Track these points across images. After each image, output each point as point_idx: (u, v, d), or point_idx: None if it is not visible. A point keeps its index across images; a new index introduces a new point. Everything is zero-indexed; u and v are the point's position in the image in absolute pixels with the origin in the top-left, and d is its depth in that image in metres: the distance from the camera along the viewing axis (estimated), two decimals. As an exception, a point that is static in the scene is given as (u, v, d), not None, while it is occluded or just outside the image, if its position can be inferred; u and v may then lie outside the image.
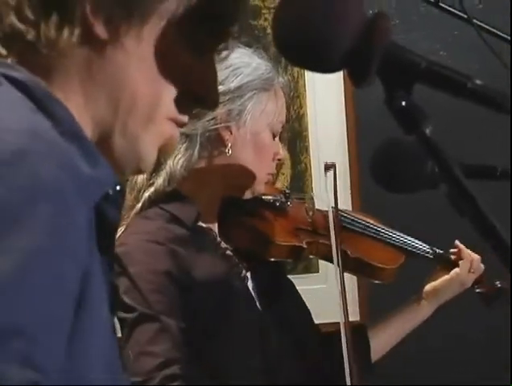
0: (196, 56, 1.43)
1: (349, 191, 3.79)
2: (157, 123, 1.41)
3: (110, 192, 1.33)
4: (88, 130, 1.37)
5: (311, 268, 3.69)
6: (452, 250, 2.81)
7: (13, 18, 1.35)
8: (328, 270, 3.56)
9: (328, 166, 2.66)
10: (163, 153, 1.45)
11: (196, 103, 1.47)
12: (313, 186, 3.80)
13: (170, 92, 1.41)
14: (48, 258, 1.14)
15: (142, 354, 2.24)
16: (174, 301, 2.31)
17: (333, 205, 2.60)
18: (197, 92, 1.44)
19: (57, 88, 1.35)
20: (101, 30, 1.35)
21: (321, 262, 3.70)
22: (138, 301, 2.28)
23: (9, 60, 1.35)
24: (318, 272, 3.71)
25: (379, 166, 1.82)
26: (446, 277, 2.78)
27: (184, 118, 1.45)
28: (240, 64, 2.49)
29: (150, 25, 1.37)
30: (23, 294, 1.11)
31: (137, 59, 1.37)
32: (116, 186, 1.35)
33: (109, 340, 1.35)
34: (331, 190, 2.62)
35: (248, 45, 2.56)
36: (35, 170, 1.15)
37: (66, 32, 1.33)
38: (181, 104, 1.43)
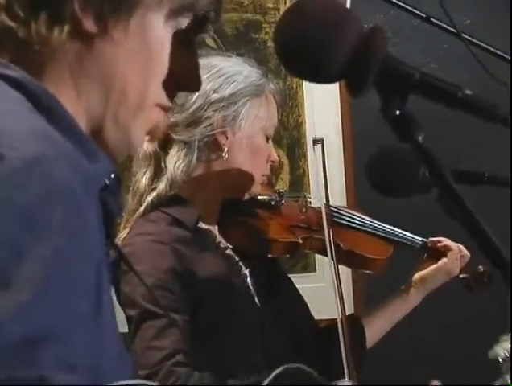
0: (179, 44, 1.42)
1: (345, 195, 3.78)
2: (146, 110, 1.40)
3: (107, 182, 1.34)
4: (83, 123, 1.36)
5: (308, 268, 3.69)
6: (437, 238, 2.81)
7: (4, 17, 1.33)
8: (325, 269, 3.56)
9: (316, 140, 2.68)
10: (152, 137, 1.46)
11: (180, 87, 1.46)
12: (311, 190, 3.79)
13: (156, 80, 1.40)
14: (70, 261, 1.14)
15: (149, 348, 2.24)
16: (178, 296, 2.31)
17: (323, 180, 2.63)
18: (180, 78, 1.44)
19: (50, 83, 1.33)
20: (90, 25, 1.34)
21: (318, 262, 3.71)
22: (144, 297, 2.28)
23: (3, 59, 1.33)
24: (315, 271, 3.71)
25: (374, 171, 1.82)
26: (434, 265, 2.78)
27: (169, 103, 1.44)
28: (233, 72, 2.48)
29: (136, 17, 1.36)
30: (51, 299, 1.10)
31: (125, 50, 1.36)
32: (112, 174, 1.36)
33: (115, 324, 1.36)
34: (320, 163, 2.65)
35: (240, 55, 2.58)
36: (49, 175, 1.14)
37: (56, 29, 1.32)
38: (166, 89, 1.43)
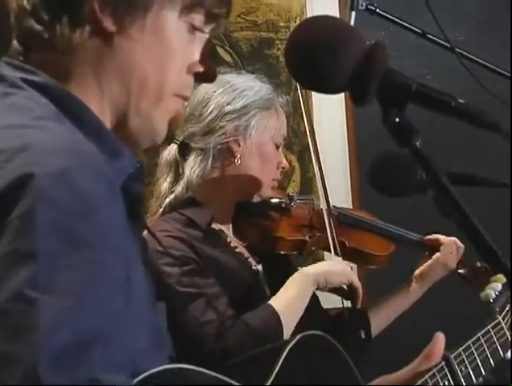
0: (193, 37, 1.41)
1: (350, 196, 3.77)
2: (165, 100, 1.40)
3: (132, 170, 1.34)
4: (107, 116, 1.36)
5: (317, 261, 3.68)
6: (431, 236, 2.79)
7: (31, 21, 1.33)
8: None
9: None
10: (173, 125, 1.45)
11: (196, 78, 1.45)
12: (319, 192, 3.78)
13: (173, 72, 1.40)
14: (102, 265, 1.13)
15: (203, 325, 2.25)
16: (205, 273, 2.33)
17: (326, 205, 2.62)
18: (196, 69, 1.43)
19: (74, 82, 1.33)
20: (109, 25, 1.33)
21: (326, 257, 3.70)
22: (179, 283, 2.29)
23: (29, 65, 1.33)
24: (323, 263, 3.71)
25: (376, 173, 1.82)
26: (429, 261, 2.77)
27: (188, 93, 1.44)
28: (245, 87, 2.51)
29: (151, 14, 1.36)
30: (91, 303, 1.10)
31: (142, 46, 1.36)
32: (136, 164, 1.36)
33: (149, 307, 1.35)
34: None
35: (255, 70, 2.65)
36: (76, 187, 1.14)
37: (78, 29, 1.32)
38: (184, 79, 1.42)
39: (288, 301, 2.35)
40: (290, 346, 1.63)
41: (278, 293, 2.37)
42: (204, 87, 2.49)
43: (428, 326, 3.54)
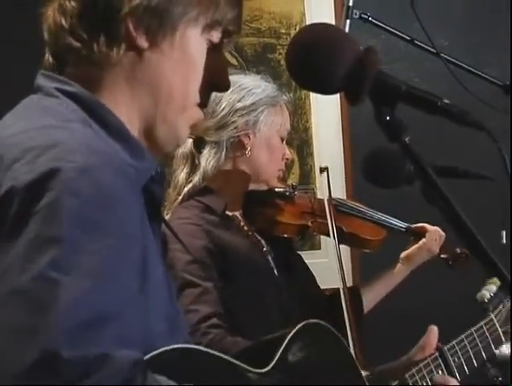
0: (211, 53, 1.42)
1: (344, 187, 3.77)
2: (188, 109, 1.40)
3: (153, 174, 1.34)
4: (135, 125, 1.36)
5: (314, 246, 3.68)
6: (417, 225, 2.80)
7: (69, 39, 1.33)
8: (328, 248, 3.55)
9: (322, 169, 2.72)
10: (193, 130, 1.46)
11: (213, 89, 1.46)
12: (316, 182, 3.78)
13: (196, 84, 1.40)
14: (121, 251, 1.14)
15: (187, 312, 2.23)
16: (210, 268, 2.33)
17: (328, 196, 2.63)
18: (213, 81, 1.44)
19: (107, 92, 1.34)
20: (142, 42, 1.34)
21: (322, 242, 3.70)
22: (183, 270, 2.30)
23: (62, 76, 1.34)
24: (320, 249, 3.71)
25: (369, 166, 1.82)
26: (416, 245, 2.78)
27: (206, 102, 1.45)
28: (252, 86, 2.52)
29: (179, 31, 1.36)
30: (107, 285, 1.10)
31: (170, 60, 1.36)
32: (157, 168, 1.36)
33: (166, 297, 1.35)
34: (326, 186, 2.68)
35: (259, 73, 2.65)
36: (97, 181, 1.14)
37: (115, 47, 1.32)
38: (202, 91, 1.43)
39: None
40: (292, 333, 1.62)
41: None
42: None
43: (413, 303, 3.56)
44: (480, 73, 2.79)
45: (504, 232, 2.61)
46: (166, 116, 1.38)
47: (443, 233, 2.76)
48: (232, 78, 2.48)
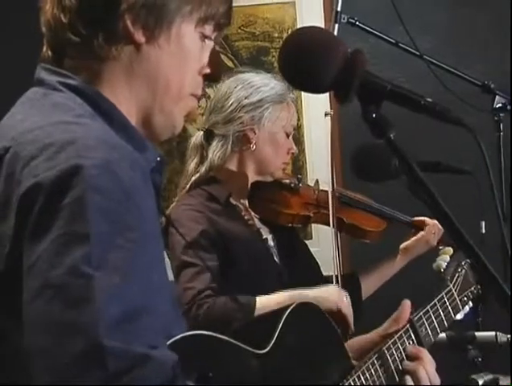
0: (203, 44, 1.41)
1: (335, 181, 3.75)
2: (184, 99, 1.39)
3: (154, 164, 1.34)
4: (133, 115, 1.35)
5: (307, 236, 3.67)
6: (418, 218, 2.78)
7: (68, 33, 1.31)
8: (320, 237, 3.55)
9: (327, 114, 2.75)
10: (188, 119, 1.45)
11: (206, 78, 1.45)
12: (308, 178, 3.77)
13: (190, 75, 1.40)
14: (143, 245, 1.13)
15: (184, 289, 2.27)
16: (208, 251, 2.35)
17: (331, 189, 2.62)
18: (206, 71, 1.43)
19: (106, 84, 1.32)
20: (139, 37, 1.33)
21: (314, 231, 3.70)
22: (182, 252, 2.33)
23: (63, 69, 1.32)
24: (312, 238, 3.70)
25: (357, 162, 1.82)
26: (414, 237, 2.77)
27: (200, 92, 1.43)
28: (260, 84, 2.53)
29: (174, 26, 1.35)
30: (135, 279, 1.09)
31: (167, 53, 1.35)
32: (157, 158, 1.36)
33: (168, 281, 1.34)
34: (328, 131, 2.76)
35: (268, 71, 2.66)
36: (118, 176, 1.13)
37: (113, 42, 1.31)
38: (197, 80, 1.42)
39: (269, 305, 2.24)
40: (286, 314, 1.64)
41: (268, 296, 2.31)
42: (227, 83, 2.54)
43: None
44: (460, 74, 2.80)
45: (483, 222, 2.61)
46: (163, 106, 1.37)
47: (441, 228, 2.74)
48: (243, 76, 2.56)
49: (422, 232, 2.76)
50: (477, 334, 2.22)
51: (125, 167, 1.15)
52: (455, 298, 2.00)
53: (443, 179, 1.95)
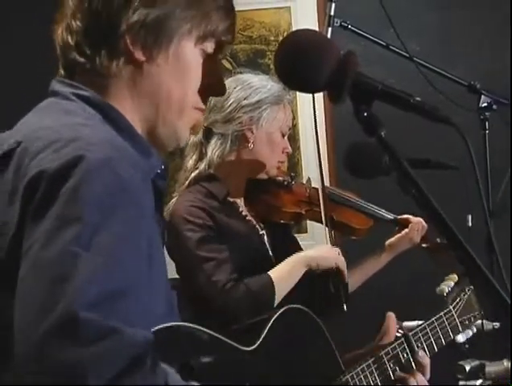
0: (206, 61, 1.41)
1: (328, 178, 3.76)
2: (186, 112, 1.40)
3: (159, 171, 1.35)
4: (139, 126, 1.36)
5: (301, 230, 3.67)
6: (403, 216, 2.78)
7: (74, 54, 1.34)
8: (314, 232, 3.55)
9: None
10: (193, 131, 1.45)
11: (210, 93, 1.45)
12: (303, 174, 3.77)
13: (192, 89, 1.40)
14: (134, 235, 1.14)
15: (208, 284, 2.29)
16: (217, 242, 2.36)
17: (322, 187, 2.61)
18: (209, 86, 1.43)
19: (112, 99, 1.34)
20: (139, 55, 1.34)
21: (309, 226, 3.69)
22: (197, 247, 2.33)
23: (75, 83, 1.34)
24: (306, 232, 3.70)
25: (350, 159, 1.81)
26: (399, 234, 2.76)
27: (203, 105, 1.44)
28: (259, 85, 2.51)
29: (173, 45, 1.35)
30: (118, 264, 1.10)
31: (166, 71, 1.36)
32: (162, 165, 1.37)
33: (165, 281, 1.35)
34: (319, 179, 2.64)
35: (265, 73, 2.63)
36: (117, 171, 1.15)
37: (115, 61, 1.33)
38: (200, 95, 1.42)
39: (283, 276, 2.36)
40: (275, 316, 1.63)
41: (276, 267, 2.38)
42: (227, 83, 2.46)
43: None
44: (447, 74, 2.80)
45: (470, 216, 2.61)
46: (166, 120, 1.38)
47: (425, 224, 2.74)
48: (242, 77, 2.55)
49: (406, 230, 2.75)
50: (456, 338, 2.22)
51: (125, 166, 1.16)
52: (454, 319, 2.00)
53: (431, 175, 1.94)
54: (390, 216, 2.78)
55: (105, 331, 1.03)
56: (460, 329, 2.02)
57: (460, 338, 2.01)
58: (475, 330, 2.08)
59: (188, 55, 1.37)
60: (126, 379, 1.03)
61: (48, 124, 1.23)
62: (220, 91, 1.47)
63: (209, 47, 1.40)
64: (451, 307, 2.03)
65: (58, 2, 1.39)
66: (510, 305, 1.13)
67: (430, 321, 1.92)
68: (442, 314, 1.98)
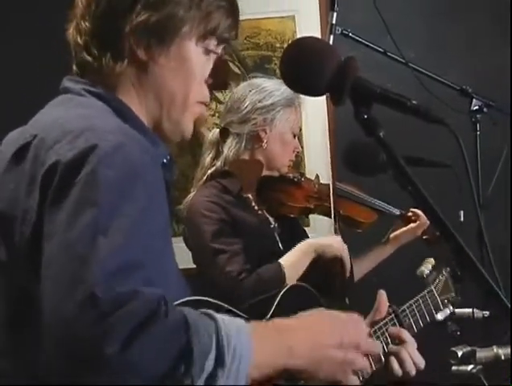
0: (208, 57, 1.41)
1: (330, 174, 3.75)
2: (190, 107, 1.39)
3: (165, 161, 1.35)
4: (145, 121, 1.37)
5: (304, 223, 3.67)
6: (412, 210, 2.79)
7: (83, 53, 1.35)
8: (316, 225, 3.54)
9: None
10: (198, 124, 1.45)
11: (214, 87, 1.44)
12: (306, 170, 3.76)
13: (195, 85, 1.39)
14: (148, 215, 1.14)
15: (222, 274, 2.30)
16: (231, 235, 2.37)
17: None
18: (213, 81, 1.43)
19: (120, 96, 1.34)
20: (142, 56, 1.34)
21: (311, 219, 3.69)
22: (211, 240, 2.34)
23: (86, 80, 1.35)
24: (309, 226, 3.69)
25: (349, 157, 1.82)
26: (404, 228, 2.79)
27: (207, 99, 1.43)
28: (272, 89, 2.53)
29: (174, 45, 1.35)
30: (136, 241, 1.10)
31: (169, 70, 1.36)
32: (167, 156, 1.37)
33: (176, 266, 1.34)
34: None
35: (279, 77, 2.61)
36: (130, 156, 1.15)
37: (119, 60, 1.33)
38: (203, 90, 1.41)
39: (293, 262, 2.37)
40: (282, 292, 1.63)
41: (286, 255, 2.39)
42: (243, 87, 2.55)
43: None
44: (440, 79, 2.80)
45: (462, 212, 2.61)
46: (170, 115, 1.38)
47: (427, 221, 2.74)
48: (257, 81, 2.58)
49: (412, 225, 2.77)
50: (456, 310, 2.22)
51: (137, 151, 1.17)
52: (436, 297, 2.02)
53: (426, 173, 1.94)
54: (396, 211, 2.78)
55: (123, 296, 1.04)
56: (441, 307, 2.04)
57: (439, 316, 2.03)
58: (452, 309, 2.10)
59: (190, 53, 1.37)
60: (147, 328, 1.04)
61: (62, 115, 1.24)
62: (223, 84, 1.48)
63: (211, 44, 1.40)
64: (432, 287, 2.05)
65: (59, 2, 1.39)
66: (510, 302, 1.13)
67: (415, 299, 1.94)
68: (425, 292, 2.00)
